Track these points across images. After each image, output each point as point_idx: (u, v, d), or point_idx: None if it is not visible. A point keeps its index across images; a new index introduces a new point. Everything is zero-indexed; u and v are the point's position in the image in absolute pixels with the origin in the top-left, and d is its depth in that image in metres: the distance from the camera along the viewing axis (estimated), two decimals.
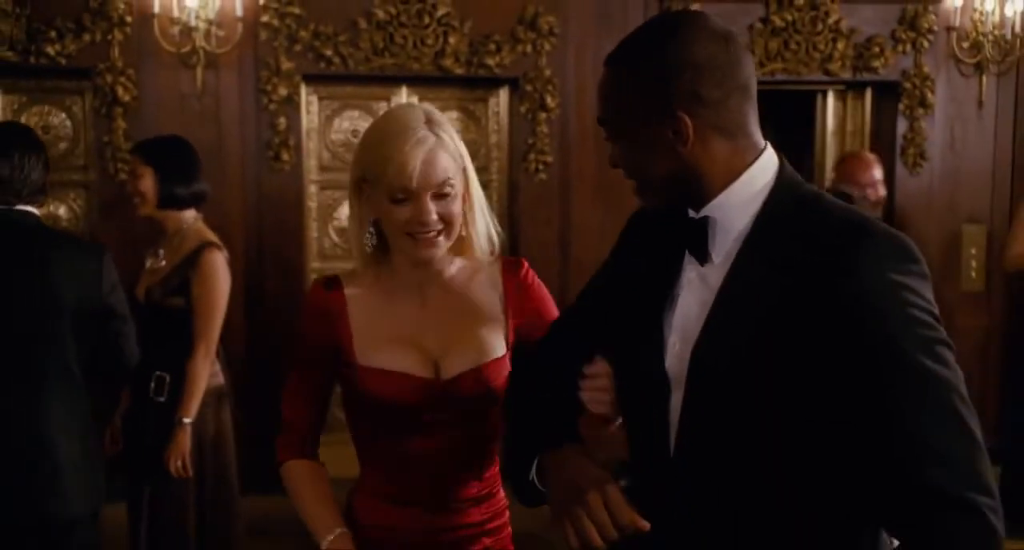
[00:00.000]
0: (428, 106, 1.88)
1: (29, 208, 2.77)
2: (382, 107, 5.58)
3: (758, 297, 1.38)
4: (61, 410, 2.69)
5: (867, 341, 1.29)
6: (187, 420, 3.23)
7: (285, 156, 5.23)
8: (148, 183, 3.29)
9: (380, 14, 5.22)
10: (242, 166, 5.20)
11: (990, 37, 5.64)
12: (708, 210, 1.47)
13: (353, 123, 5.57)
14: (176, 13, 4.97)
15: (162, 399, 3.25)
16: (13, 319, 2.65)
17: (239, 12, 5.02)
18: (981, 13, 5.62)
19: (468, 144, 5.42)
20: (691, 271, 1.51)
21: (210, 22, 5.01)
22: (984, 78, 5.74)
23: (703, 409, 1.42)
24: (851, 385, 1.30)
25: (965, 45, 5.71)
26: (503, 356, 1.89)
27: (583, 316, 1.73)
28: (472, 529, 1.93)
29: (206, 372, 3.27)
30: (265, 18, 5.14)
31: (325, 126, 5.56)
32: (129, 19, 5.02)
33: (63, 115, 5.32)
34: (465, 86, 5.53)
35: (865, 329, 1.28)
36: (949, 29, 5.67)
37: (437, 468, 1.89)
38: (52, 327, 2.67)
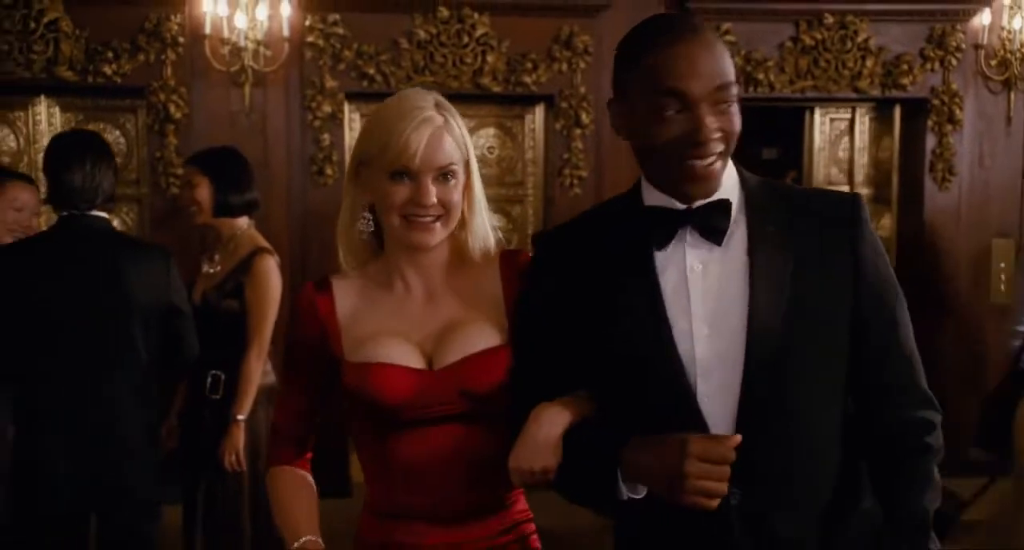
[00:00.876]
0: (437, 94, 1.79)
1: (102, 214, 2.95)
2: None
3: (782, 264, 1.55)
4: (130, 401, 2.87)
5: (872, 276, 1.59)
6: (241, 417, 3.39)
7: (328, 171, 5.43)
8: (204, 192, 3.47)
9: (421, 34, 5.41)
10: (287, 180, 5.40)
11: (1018, 55, 5.74)
12: (720, 193, 1.58)
13: None
14: (226, 34, 5.19)
15: (217, 397, 3.41)
16: (88, 316, 2.83)
17: (286, 33, 5.23)
18: (1009, 31, 5.73)
19: (504, 160, 5.60)
20: (692, 257, 1.58)
21: (258, 42, 5.22)
22: (1012, 95, 5.83)
23: (767, 382, 1.53)
24: (866, 312, 1.58)
25: (993, 63, 5.81)
26: (500, 346, 1.74)
27: (545, 356, 1.68)
28: (484, 543, 1.79)
29: (259, 371, 3.43)
30: (310, 38, 5.35)
31: None
32: (182, 40, 5.24)
33: (117, 132, 5.55)
34: (502, 103, 5.71)
35: (871, 267, 1.59)
36: (977, 47, 5.78)
37: (439, 474, 1.75)
38: (123, 323, 2.85)
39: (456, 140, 1.74)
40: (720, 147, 1.54)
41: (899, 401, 1.62)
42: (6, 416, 3.13)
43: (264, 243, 3.53)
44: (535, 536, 1.87)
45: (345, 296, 1.80)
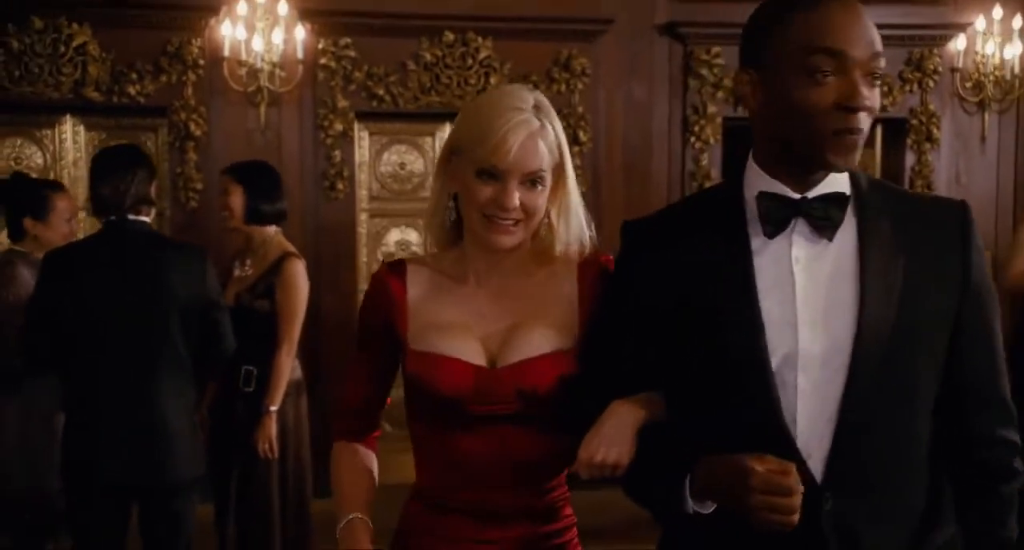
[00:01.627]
0: (539, 93, 1.76)
1: (141, 217, 3.21)
2: (427, 142, 6.08)
3: (895, 264, 1.50)
4: (172, 389, 3.12)
5: (979, 284, 1.55)
6: (273, 408, 3.65)
7: (340, 186, 5.72)
8: (237, 200, 3.75)
9: (427, 57, 5.72)
10: (301, 195, 5.68)
11: (991, 78, 6.08)
12: (834, 186, 1.52)
13: (400, 157, 6.06)
14: (244, 56, 5.48)
15: (250, 390, 3.67)
16: (132, 311, 3.08)
17: (300, 55, 5.53)
18: (983, 56, 6.07)
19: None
20: (799, 248, 1.51)
21: (274, 64, 5.52)
22: (986, 115, 6.17)
23: (871, 384, 1.47)
24: (967, 318, 1.54)
25: (968, 85, 6.16)
26: (568, 350, 1.74)
27: (628, 346, 1.64)
28: (529, 543, 1.78)
29: (289, 366, 3.69)
30: (323, 61, 5.65)
31: (375, 159, 6.04)
32: (202, 62, 5.54)
33: None
34: None
35: (979, 273, 1.55)
36: (953, 70, 6.12)
37: (489, 471, 1.74)
38: (165, 318, 3.11)
39: (549, 145, 1.71)
40: (868, 122, 1.46)
41: (989, 415, 1.59)
42: (54, 403, 3.39)
43: (292, 248, 3.80)
44: (577, 541, 1.86)
45: (417, 282, 1.79)
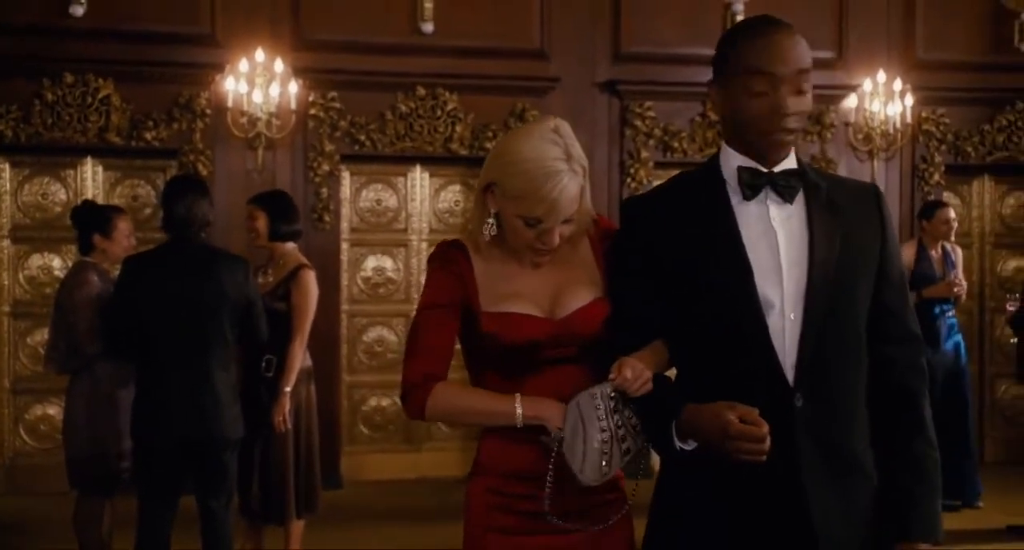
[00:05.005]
0: (564, 130, 2.00)
1: (201, 234, 4.10)
2: (400, 181, 7.04)
3: (832, 218, 1.90)
4: (221, 366, 3.97)
5: (891, 241, 1.98)
6: (287, 389, 4.49)
7: (326, 218, 6.63)
8: (262, 223, 4.63)
9: (403, 108, 6.70)
10: None
11: (878, 131, 7.20)
12: (790, 164, 1.89)
13: (377, 194, 7.01)
14: (245, 107, 6.40)
15: (270, 374, 4.52)
16: (194, 307, 3.93)
17: (293, 106, 6.46)
18: (871, 112, 7.18)
19: (468, 211, 7.04)
20: (775, 210, 1.88)
21: (270, 114, 6.44)
22: (875, 162, 7.27)
23: (824, 306, 1.85)
24: (883, 264, 1.94)
25: (860, 137, 7.26)
26: (603, 297, 2.04)
27: (636, 300, 1.96)
28: (592, 498, 2.03)
29: (300, 356, 4.56)
30: (313, 111, 6.59)
31: (355, 196, 6.98)
32: (209, 112, 6.45)
33: (149, 187, 6.70)
34: (468, 165, 6.98)
35: (891, 233, 1.98)
36: (847, 124, 7.24)
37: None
38: (218, 311, 3.96)
39: (580, 184, 1.99)
40: (798, 121, 1.84)
41: (907, 346, 1.96)
42: (116, 382, 4.24)
43: (305, 261, 4.69)
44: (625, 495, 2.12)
45: (477, 262, 2.08)
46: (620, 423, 1.92)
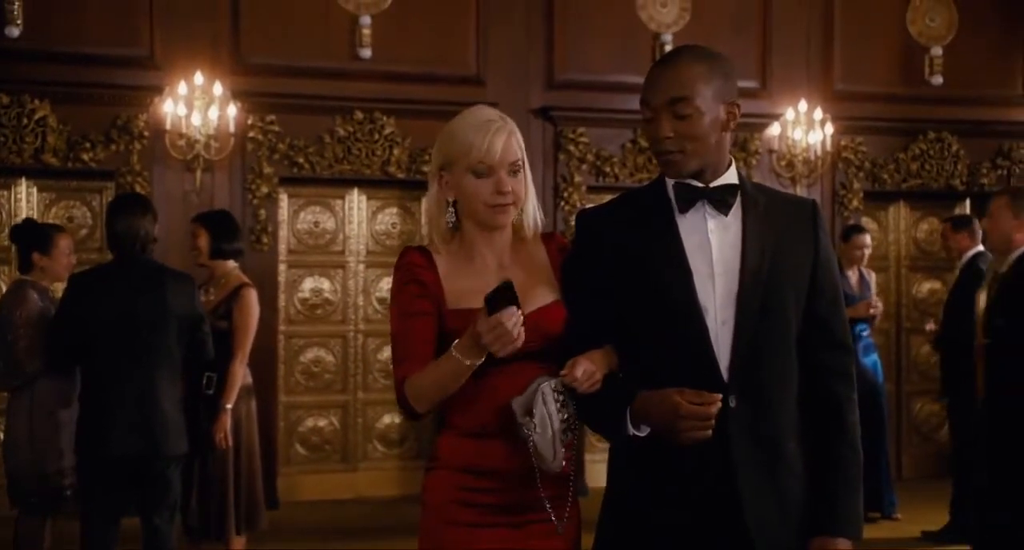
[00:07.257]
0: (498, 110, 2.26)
1: (147, 251, 4.15)
2: (338, 204, 7.13)
3: (767, 230, 2.06)
4: (166, 382, 4.01)
5: (824, 255, 2.11)
6: (228, 406, 4.55)
7: (264, 240, 6.70)
8: (203, 241, 4.70)
9: (341, 131, 6.81)
10: None
11: (800, 158, 7.50)
12: (728, 179, 2.05)
13: (315, 216, 7.09)
14: (184, 129, 6.45)
15: (211, 392, 4.58)
16: (140, 323, 3.97)
17: (232, 129, 6.52)
18: (793, 140, 7.49)
19: (405, 234, 7.29)
20: (712, 222, 2.03)
21: (209, 136, 6.49)
22: (797, 188, 7.55)
23: (754, 310, 2.00)
24: (819, 277, 2.08)
25: (783, 163, 7.56)
26: (557, 301, 2.17)
27: (588, 305, 2.10)
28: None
29: (241, 373, 4.63)
30: (252, 134, 6.67)
31: (293, 218, 7.06)
32: (147, 134, 6.49)
33: (84, 209, 6.69)
34: (405, 188, 7.12)
35: (824, 247, 2.12)
36: (770, 151, 7.53)
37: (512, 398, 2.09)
38: (163, 327, 4.02)
39: (518, 142, 2.19)
40: (676, 143, 2.00)
41: (837, 353, 2.10)
42: (57, 401, 4.26)
43: (247, 280, 4.76)
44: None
45: (440, 263, 2.20)
46: (567, 417, 2.06)
